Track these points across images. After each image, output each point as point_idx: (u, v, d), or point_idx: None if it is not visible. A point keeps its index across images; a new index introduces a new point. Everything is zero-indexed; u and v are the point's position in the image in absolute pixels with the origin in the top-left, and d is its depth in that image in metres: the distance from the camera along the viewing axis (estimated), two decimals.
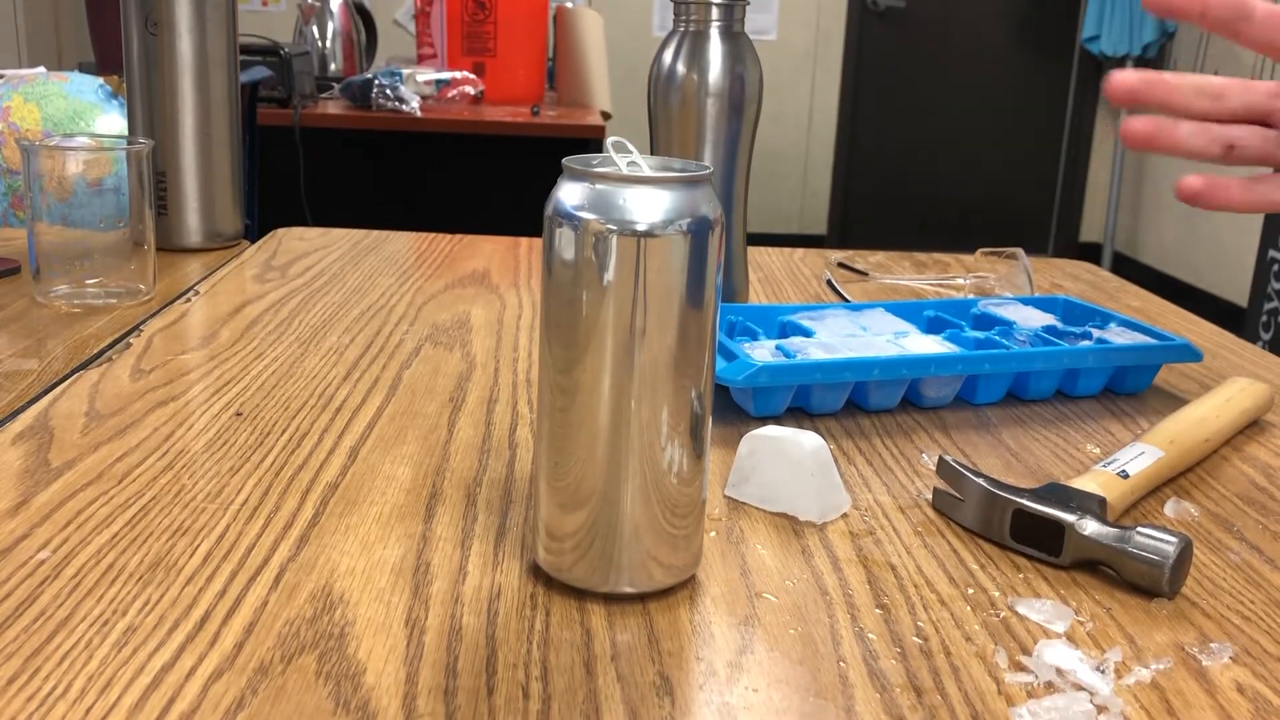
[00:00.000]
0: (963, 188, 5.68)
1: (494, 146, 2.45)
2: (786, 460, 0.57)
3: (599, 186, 0.45)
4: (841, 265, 1.18)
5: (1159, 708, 0.43)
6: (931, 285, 1.11)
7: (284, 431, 0.65)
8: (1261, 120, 0.57)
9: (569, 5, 2.86)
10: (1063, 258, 1.95)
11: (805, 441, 0.57)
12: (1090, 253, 5.55)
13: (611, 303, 0.45)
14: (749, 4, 0.83)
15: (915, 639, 0.47)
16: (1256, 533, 0.59)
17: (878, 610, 0.49)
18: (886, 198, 5.67)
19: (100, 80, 1.49)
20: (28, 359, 0.76)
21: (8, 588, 0.47)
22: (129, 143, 0.91)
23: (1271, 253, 2.47)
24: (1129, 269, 5.28)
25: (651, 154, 0.51)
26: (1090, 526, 0.52)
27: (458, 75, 2.58)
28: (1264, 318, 2.47)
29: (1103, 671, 0.44)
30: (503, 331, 0.88)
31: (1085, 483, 0.57)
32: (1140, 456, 0.61)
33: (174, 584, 0.48)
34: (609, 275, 0.44)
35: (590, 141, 2.43)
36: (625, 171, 0.45)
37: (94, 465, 0.60)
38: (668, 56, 0.84)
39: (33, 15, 4.45)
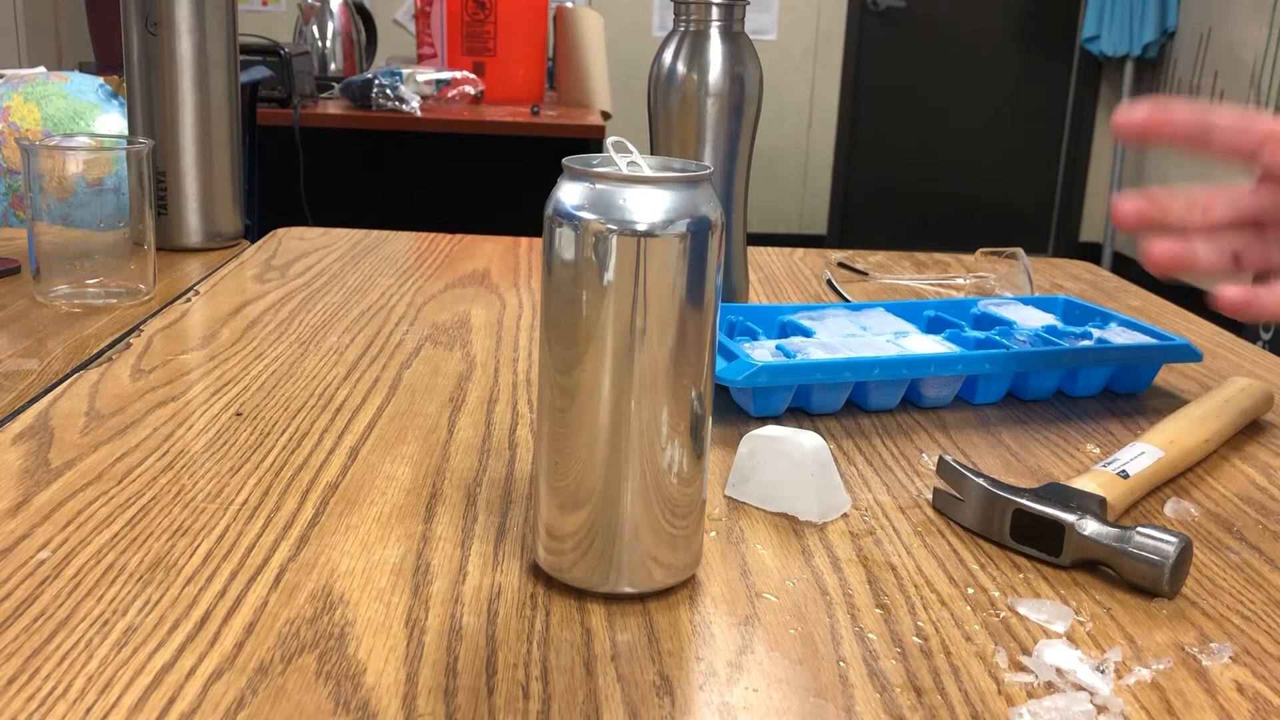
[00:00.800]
0: (963, 188, 5.68)
1: (494, 146, 2.45)
2: (786, 460, 0.57)
3: (599, 186, 0.45)
4: (841, 265, 1.18)
5: (1159, 708, 0.43)
6: (931, 285, 1.11)
7: (284, 431, 0.65)
8: (1254, 222, 0.57)
9: (569, 5, 2.86)
10: (1063, 258, 1.95)
11: (805, 441, 0.57)
12: (1090, 253, 5.55)
13: (611, 303, 0.45)
14: (749, 4, 0.83)
15: (915, 639, 0.47)
16: (1256, 533, 0.59)
17: (878, 610, 0.49)
18: (886, 198, 5.67)
19: (100, 80, 1.49)
20: (28, 359, 0.76)
21: (8, 588, 0.47)
22: (129, 143, 0.91)
23: None
24: (1129, 269, 5.28)
25: (651, 154, 0.51)
26: (1090, 526, 0.52)
27: (458, 75, 2.58)
28: None
29: (1103, 671, 0.44)
30: (503, 331, 0.88)
31: (1085, 483, 0.57)
32: (1140, 456, 0.61)
33: (174, 584, 0.48)
34: (609, 275, 0.44)
35: (590, 141, 2.43)
36: (625, 171, 0.45)
37: (94, 465, 0.60)
38: (668, 56, 0.84)
39: (33, 15, 4.45)
